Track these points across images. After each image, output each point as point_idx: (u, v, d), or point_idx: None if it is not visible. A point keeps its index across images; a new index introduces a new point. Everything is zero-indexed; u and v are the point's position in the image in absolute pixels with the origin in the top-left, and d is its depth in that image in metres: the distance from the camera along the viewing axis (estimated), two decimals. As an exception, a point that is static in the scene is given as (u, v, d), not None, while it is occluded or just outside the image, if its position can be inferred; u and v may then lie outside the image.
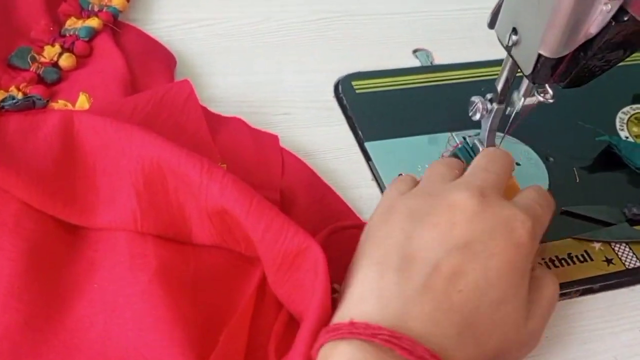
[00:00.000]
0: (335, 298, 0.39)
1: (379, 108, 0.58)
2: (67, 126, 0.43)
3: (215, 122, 0.52)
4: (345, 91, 0.59)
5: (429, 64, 0.63)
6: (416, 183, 0.43)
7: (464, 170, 0.43)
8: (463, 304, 0.35)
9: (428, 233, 0.37)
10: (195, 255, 0.44)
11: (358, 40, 0.64)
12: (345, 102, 0.58)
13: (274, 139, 0.52)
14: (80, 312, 0.40)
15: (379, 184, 0.53)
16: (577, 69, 0.42)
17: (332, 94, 0.59)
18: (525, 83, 0.46)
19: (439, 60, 0.64)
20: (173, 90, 0.50)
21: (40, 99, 0.46)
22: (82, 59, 0.54)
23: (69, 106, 0.48)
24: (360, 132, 0.56)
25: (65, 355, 0.38)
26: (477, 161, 0.43)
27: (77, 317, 0.40)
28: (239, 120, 0.53)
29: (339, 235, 0.46)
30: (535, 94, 0.47)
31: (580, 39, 0.40)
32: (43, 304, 0.40)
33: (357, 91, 0.59)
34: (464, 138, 0.52)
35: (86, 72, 0.53)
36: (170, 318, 0.39)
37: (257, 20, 0.64)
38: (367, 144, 0.55)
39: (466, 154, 0.51)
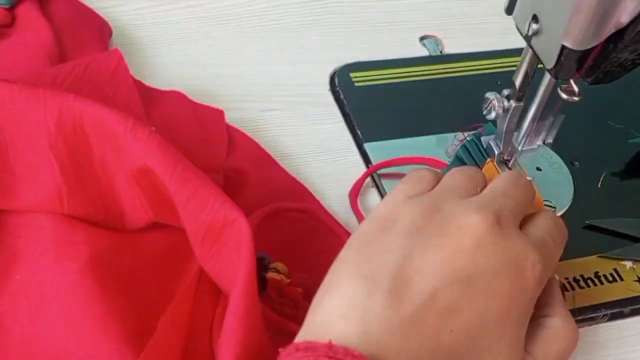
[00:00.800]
0: (278, 280, 0.42)
1: (380, 104, 0.58)
2: None
3: (151, 97, 0.52)
4: (343, 84, 0.59)
5: (438, 53, 0.64)
6: (432, 185, 0.42)
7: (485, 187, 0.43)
8: (452, 346, 0.34)
9: (430, 256, 0.36)
10: (131, 242, 0.44)
11: (358, 26, 0.64)
12: (342, 96, 0.59)
13: (219, 114, 0.53)
14: (0, 309, 0.40)
15: (379, 191, 0.53)
16: (606, 63, 0.42)
17: (328, 87, 0.59)
18: (547, 78, 0.46)
19: (449, 49, 0.64)
20: (99, 60, 0.50)
21: None
22: (3, 29, 0.54)
23: None
24: (359, 132, 0.56)
25: None
26: (497, 183, 0.42)
27: None
28: (179, 93, 0.54)
29: (283, 216, 0.48)
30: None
31: (610, 29, 0.39)
32: None
33: (356, 84, 0.59)
34: (474, 135, 0.52)
35: (7, 43, 0.53)
36: (104, 312, 0.39)
37: (242, 2, 0.64)
38: (366, 145, 0.55)
39: (476, 149, 0.51)
